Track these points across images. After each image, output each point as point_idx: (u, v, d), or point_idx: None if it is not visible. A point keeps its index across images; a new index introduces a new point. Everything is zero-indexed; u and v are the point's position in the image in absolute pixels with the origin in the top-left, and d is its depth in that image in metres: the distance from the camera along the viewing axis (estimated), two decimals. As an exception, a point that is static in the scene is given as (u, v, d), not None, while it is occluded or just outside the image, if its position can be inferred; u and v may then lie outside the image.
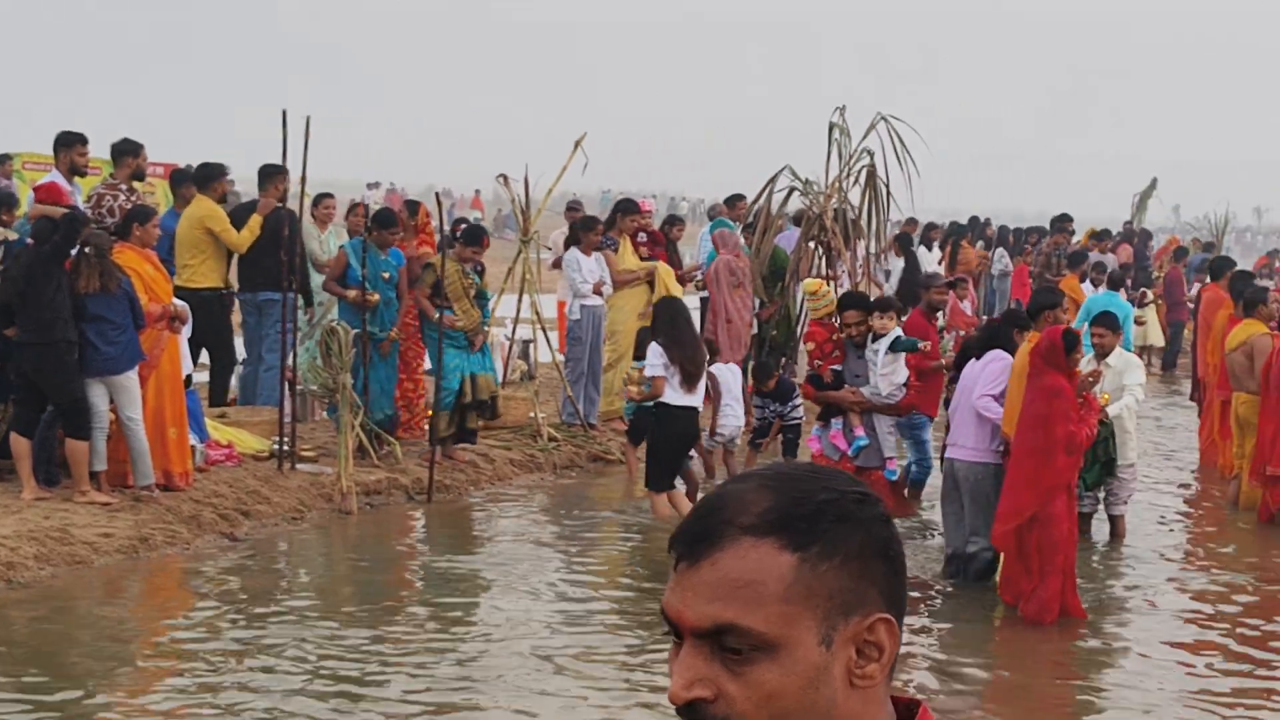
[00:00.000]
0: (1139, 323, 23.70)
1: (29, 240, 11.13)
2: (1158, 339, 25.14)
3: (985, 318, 21.50)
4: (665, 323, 12.11)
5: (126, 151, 13.26)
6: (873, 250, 16.57)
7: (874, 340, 11.66)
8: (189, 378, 12.10)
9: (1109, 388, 11.59)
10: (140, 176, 13.61)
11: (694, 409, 12.12)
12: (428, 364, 14.33)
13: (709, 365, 13.78)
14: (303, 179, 12.97)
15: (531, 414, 14.95)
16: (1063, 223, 24.67)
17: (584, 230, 15.56)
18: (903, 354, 11.67)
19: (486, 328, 13.80)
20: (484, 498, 13.26)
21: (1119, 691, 8.71)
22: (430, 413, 13.50)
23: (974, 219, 28.77)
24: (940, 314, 14.75)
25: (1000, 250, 26.30)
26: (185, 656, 8.57)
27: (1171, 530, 13.26)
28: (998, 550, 10.20)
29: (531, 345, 17.01)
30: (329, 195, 15.98)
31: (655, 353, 11.97)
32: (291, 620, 9.27)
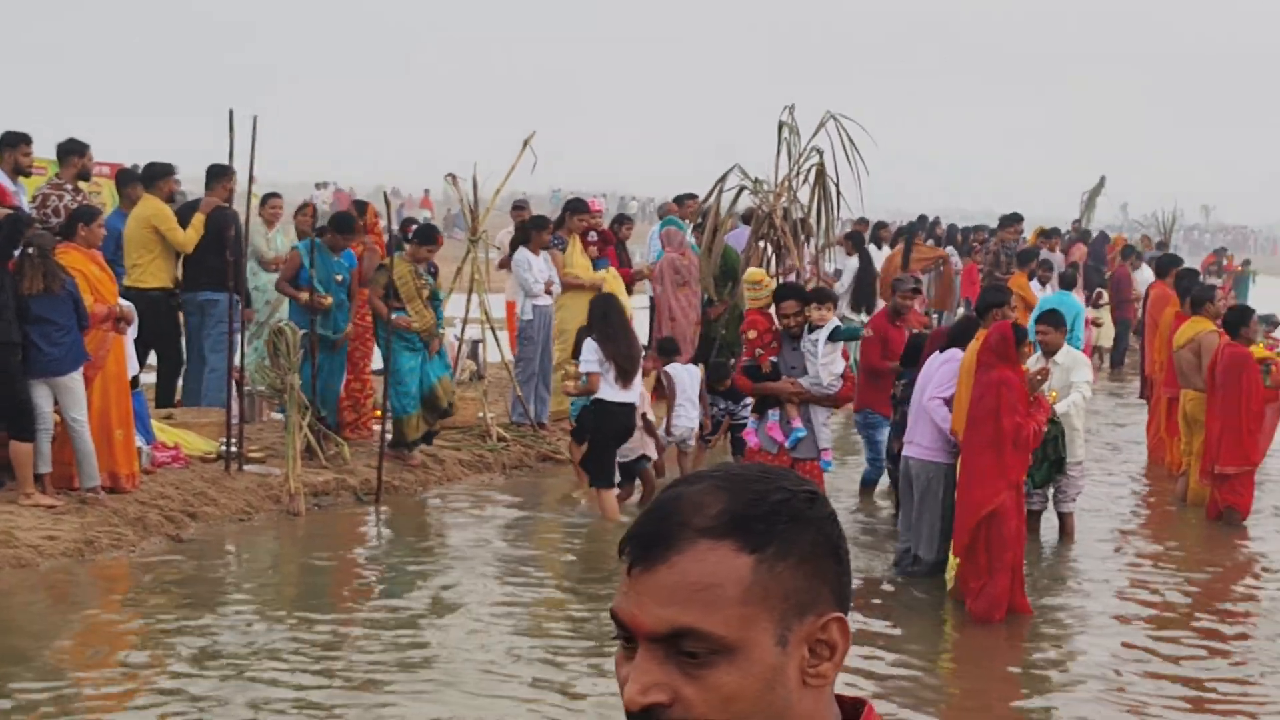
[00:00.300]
0: (1095, 324, 23.83)
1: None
2: (1108, 340, 25.30)
3: (936, 315, 21.61)
4: (599, 319, 12.16)
5: (72, 151, 13.15)
6: (820, 245, 16.54)
7: (810, 331, 11.57)
8: (136, 379, 12.01)
9: (1057, 385, 11.65)
10: (86, 176, 13.52)
11: (630, 405, 12.14)
12: (376, 364, 14.26)
13: (666, 365, 13.78)
14: (250, 179, 12.89)
15: (480, 414, 14.91)
16: (1011, 221, 24.78)
17: (535, 229, 15.51)
18: (841, 344, 11.63)
19: (442, 330, 13.76)
20: (433, 498, 13.22)
21: (1065, 691, 8.75)
22: (378, 413, 13.42)
23: (923, 217, 28.83)
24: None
25: (950, 249, 26.39)
26: (130, 661, 8.49)
27: (1120, 528, 13.33)
28: (953, 552, 10.21)
29: (480, 345, 16.95)
30: (276, 195, 15.91)
31: (590, 349, 12.04)
32: (239, 622, 9.21)
